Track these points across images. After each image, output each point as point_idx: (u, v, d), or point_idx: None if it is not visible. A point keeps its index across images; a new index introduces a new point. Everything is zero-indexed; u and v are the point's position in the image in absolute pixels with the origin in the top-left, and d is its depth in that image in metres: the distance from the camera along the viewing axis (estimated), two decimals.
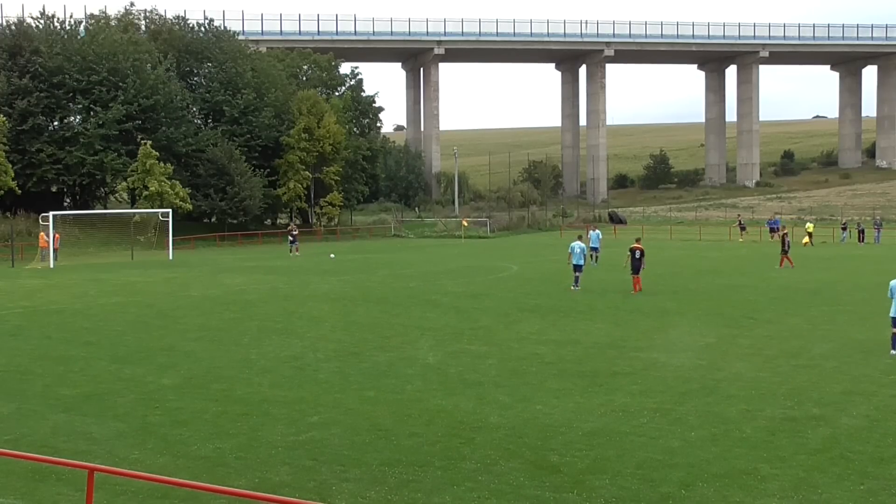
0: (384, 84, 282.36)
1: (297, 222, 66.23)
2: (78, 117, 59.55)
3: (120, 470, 8.85)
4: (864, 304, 24.30)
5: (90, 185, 61.67)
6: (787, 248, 37.09)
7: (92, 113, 57.65)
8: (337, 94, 76.60)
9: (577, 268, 28.13)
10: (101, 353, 17.14)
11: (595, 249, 37.87)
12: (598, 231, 40.41)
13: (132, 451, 10.59)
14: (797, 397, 13.18)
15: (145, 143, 54.89)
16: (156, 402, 13.00)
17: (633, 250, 27.38)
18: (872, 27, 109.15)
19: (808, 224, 57.46)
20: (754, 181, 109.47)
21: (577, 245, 28.65)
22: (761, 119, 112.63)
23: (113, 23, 67.13)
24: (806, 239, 52.62)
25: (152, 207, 52.54)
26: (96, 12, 70.28)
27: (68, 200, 64.12)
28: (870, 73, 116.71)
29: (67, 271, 36.63)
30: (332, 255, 45.33)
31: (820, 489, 9.27)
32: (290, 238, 48.81)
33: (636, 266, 27.13)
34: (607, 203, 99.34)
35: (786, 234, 38.74)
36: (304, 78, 75.68)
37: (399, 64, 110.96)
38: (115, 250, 48.47)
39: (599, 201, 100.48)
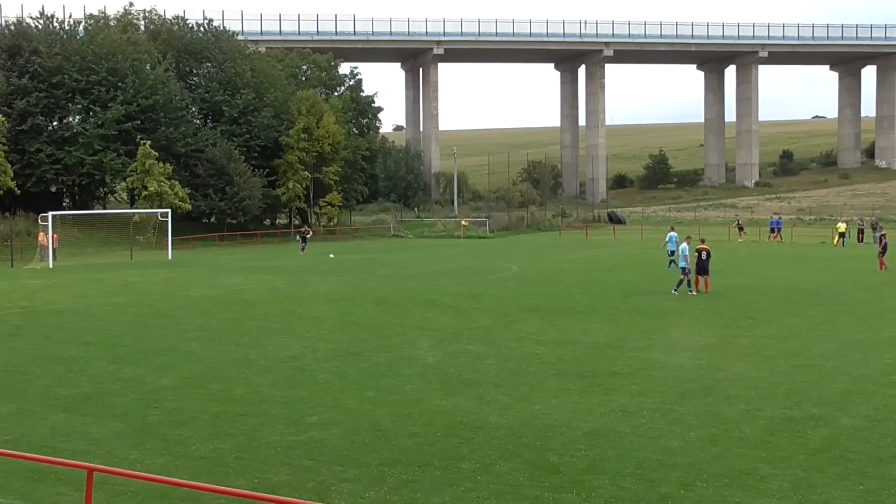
0: (383, 84, 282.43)
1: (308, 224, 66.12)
2: (77, 117, 59.52)
3: (119, 470, 8.86)
4: (864, 304, 24.32)
5: (89, 185, 61.59)
6: (884, 249, 35.84)
7: (91, 113, 57.62)
8: (336, 94, 76.58)
9: (685, 270, 27.35)
10: (101, 353, 17.13)
11: (672, 252, 34.28)
12: (675, 233, 35.50)
13: (131, 451, 10.59)
14: (796, 397, 13.19)
15: (144, 143, 54.84)
16: (155, 402, 13.00)
17: (699, 251, 26.96)
18: (872, 27, 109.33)
19: (839, 224, 56.20)
20: (753, 181, 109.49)
21: (687, 247, 27.77)
22: (761, 119, 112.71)
23: (112, 23, 67.08)
24: (837, 239, 52.30)
25: (151, 207, 52.48)
26: (95, 12, 70.31)
27: (67, 200, 64.04)
28: (869, 73, 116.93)
29: (67, 271, 36.60)
30: (332, 255, 45.33)
31: (819, 489, 9.27)
32: (303, 238, 49.88)
33: (704, 267, 26.80)
34: (606, 203, 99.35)
35: (884, 234, 38.01)
36: (304, 78, 75.66)
37: (398, 64, 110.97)
38: (114, 250, 48.41)
39: (599, 201, 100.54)
